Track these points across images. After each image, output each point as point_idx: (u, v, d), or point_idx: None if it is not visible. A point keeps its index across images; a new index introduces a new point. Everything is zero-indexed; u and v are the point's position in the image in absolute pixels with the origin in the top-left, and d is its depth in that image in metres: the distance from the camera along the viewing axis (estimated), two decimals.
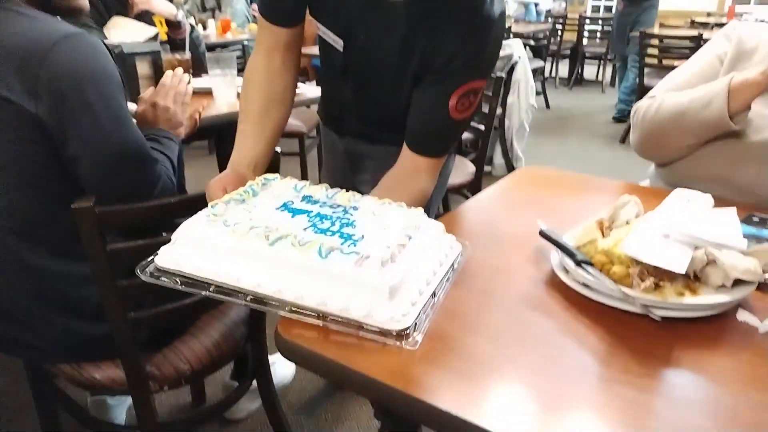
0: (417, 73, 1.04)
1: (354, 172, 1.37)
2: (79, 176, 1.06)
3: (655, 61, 4.44)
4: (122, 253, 1.03)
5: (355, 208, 0.87)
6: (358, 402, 1.79)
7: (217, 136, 2.58)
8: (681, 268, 0.71)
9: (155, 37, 2.16)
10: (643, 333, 0.73)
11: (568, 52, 7.18)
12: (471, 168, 2.40)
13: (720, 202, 0.98)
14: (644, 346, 0.71)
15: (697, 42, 4.14)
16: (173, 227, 1.26)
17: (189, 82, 1.41)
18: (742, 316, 0.76)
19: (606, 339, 0.73)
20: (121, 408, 1.65)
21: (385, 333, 0.69)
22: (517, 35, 5.36)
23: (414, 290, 0.74)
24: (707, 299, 0.73)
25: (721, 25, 5.51)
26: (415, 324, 0.70)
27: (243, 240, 0.75)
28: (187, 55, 1.96)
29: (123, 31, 2.05)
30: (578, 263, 0.79)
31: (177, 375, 1.19)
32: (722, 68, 1.20)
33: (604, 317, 0.76)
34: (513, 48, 3.57)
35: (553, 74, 7.25)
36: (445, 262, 0.83)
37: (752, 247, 0.79)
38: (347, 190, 0.92)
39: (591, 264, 0.79)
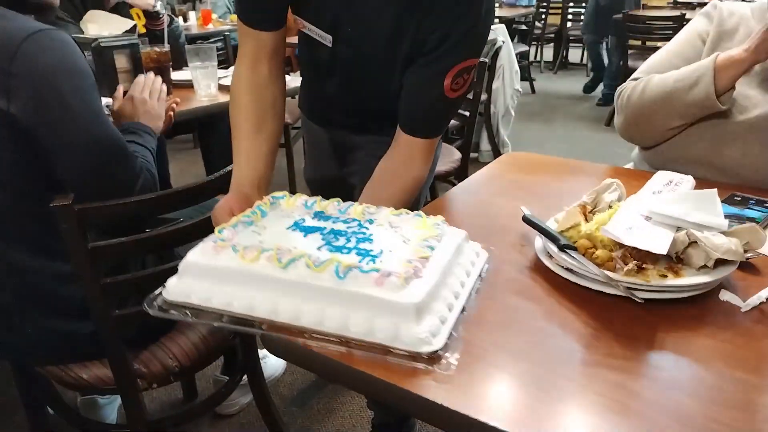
0: (408, 57, 1.02)
1: (342, 164, 1.36)
2: (57, 173, 1.04)
3: (638, 42, 4.44)
4: (104, 251, 1.02)
5: (370, 222, 0.83)
6: (350, 392, 1.80)
7: (200, 129, 2.57)
8: (662, 249, 0.71)
9: (133, 30, 2.12)
10: (627, 316, 0.74)
11: (552, 36, 7.16)
12: (457, 155, 2.40)
13: (703, 183, 0.98)
14: (628, 328, 0.72)
15: (680, 22, 4.14)
16: (157, 223, 1.26)
17: (163, 82, 1.44)
18: (725, 295, 0.77)
19: (590, 323, 0.73)
20: (111, 407, 1.64)
21: (414, 357, 0.64)
22: (501, 20, 5.34)
23: (442, 306, 0.69)
24: (689, 280, 0.74)
25: (703, 5, 5.51)
26: (447, 344, 0.65)
27: (253, 265, 0.71)
28: (166, 47, 1.93)
29: (100, 25, 2.01)
30: (561, 248, 0.79)
31: (165, 372, 1.18)
32: (705, 48, 1.20)
33: (588, 301, 0.76)
34: (497, 33, 3.56)
35: (538, 58, 7.24)
36: (472, 271, 0.79)
37: (733, 227, 0.80)
38: (349, 202, 0.89)
39: (574, 248, 0.79)
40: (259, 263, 0.71)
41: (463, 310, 0.72)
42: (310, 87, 1.32)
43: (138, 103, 1.33)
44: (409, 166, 1.09)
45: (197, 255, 0.75)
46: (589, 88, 5.87)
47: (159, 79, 1.41)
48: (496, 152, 3.74)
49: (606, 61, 5.60)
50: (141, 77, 1.38)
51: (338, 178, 1.37)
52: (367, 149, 1.25)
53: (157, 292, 0.76)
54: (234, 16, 4.82)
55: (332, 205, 0.87)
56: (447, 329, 0.67)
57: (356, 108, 1.22)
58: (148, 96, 1.35)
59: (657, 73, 1.20)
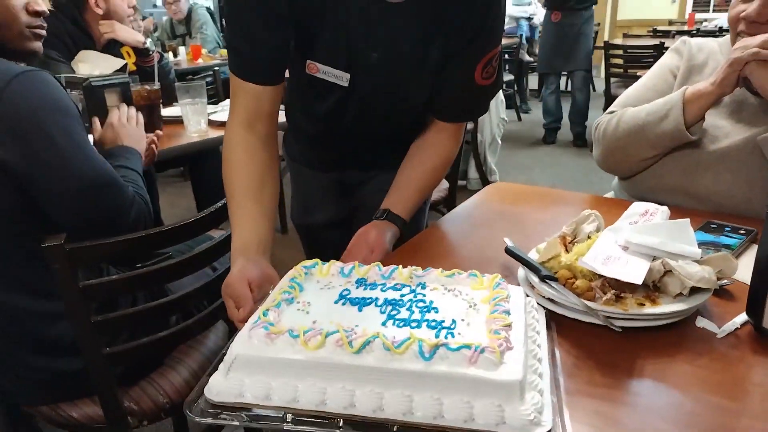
0: (439, 64, 1.05)
1: (342, 205, 1.35)
2: (48, 211, 1.06)
3: (620, 70, 4.56)
4: (96, 289, 1.03)
5: (422, 286, 0.78)
6: None
7: (191, 164, 2.59)
8: (638, 279, 0.74)
9: (123, 69, 2.16)
10: (608, 344, 0.76)
11: (536, 64, 7.30)
12: (445, 184, 2.43)
13: (679, 211, 1.02)
14: (608, 356, 0.74)
15: (660, 51, 4.26)
16: (149, 257, 1.27)
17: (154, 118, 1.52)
18: (701, 322, 0.79)
19: (572, 351, 0.75)
20: None
21: None
22: None
23: (535, 376, 0.64)
24: (666, 308, 0.76)
25: (682, 33, 5.67)
26: (555, 420, 0.59)
27: (319, 352, 0.63)
28: (156, 85, 1.96)
29: (91, 65, 2.05)
30: (542, 279, 0.81)
31: (156, 409, 1.18)
32: (676, 82, 1.25)
33: (569, 330, 0.78)
34: None
35: (524, 86, 7.36)
36: (541, 330, 0.74)
37: (708, 254, 0.82)
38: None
39: (555, 279, 0.81)
40: (326, 349, 0.63)
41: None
42: (310, 135, 1.28)
43: (118, 128, 1.37)
44: (441, 147, 1.15)
45: (245, 346, 0.65)
46: (551, 139, 5.18)
47: (132, 109, 1.46)
48: (484, 180, 3.79)
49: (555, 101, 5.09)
50: (116, 111, 1.43)
51: (336, 219, 1.37)
52: (373, 184, 1.26)
53: (195, 392, 0.66)
54: (224, 51, 4.90)
55: (373, 271, 0.82)
56: (548, 402, 0.61)
57: (368, 146, 1.22)
58: (126, 121, 1.40)
59: (631, 106, 1.24)
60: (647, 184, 1.23)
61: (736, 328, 0.77)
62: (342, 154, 1.28)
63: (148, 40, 2.38)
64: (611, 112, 1.28)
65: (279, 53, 1.02)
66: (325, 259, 0.85)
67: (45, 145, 1.03)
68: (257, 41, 0.99)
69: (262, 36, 0.98)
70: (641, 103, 1.23)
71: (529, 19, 6.41)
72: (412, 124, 1.15)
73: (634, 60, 4.50)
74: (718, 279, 0.80)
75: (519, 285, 0.88)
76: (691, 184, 1.18)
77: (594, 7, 4.76)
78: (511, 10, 6.50)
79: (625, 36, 6.09)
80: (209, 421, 0.63)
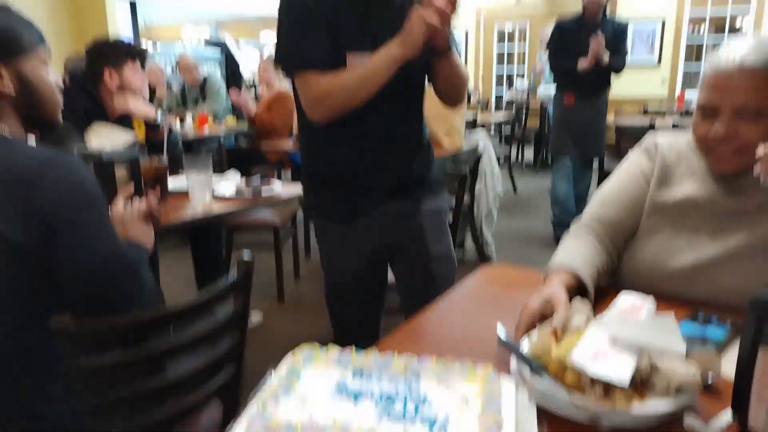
0: None
1: (388, 244, 1.62)
2: (65, 294, 1.07)
3: (613, 144, 4.71)
4: (96, 369, 1.04)
5: (416, 377, 0.81)
6: None
7: (193, 233, 2.64)
8: (624, 381, 0.77)
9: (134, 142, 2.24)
10: None
11: (532, 137, 7.53)
12: None
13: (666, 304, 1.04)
14: None
15: (651, 128, 4.41)
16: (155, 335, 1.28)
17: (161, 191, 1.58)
18: (689, 420, 0.81)
19: None
20: None
21: None
22: (484, 125, 5.64)
23: None
24: (652, 408, 0.78)
25: (672, 113, 5.89)
26: None
27: None
28: (165, 160, 2.04)
29: (103, 138, 2.13)
30: (533, 371, 0.84)
31: None
32: (651, 185, 1.27)
33: (561, 426, 0.80)
34: (478, 138, 3.76)
35: (520, 159, 7.56)
36: (531, 428, 0.77)
37: (694, 351, 0.85)
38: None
39: (545, 371, 0.84)
40: None
41: None
42: (346, 159, 1.50)
43: (129, 224, 1.35)
44: None
45: None
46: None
47: (142, 203, 1.42)
48: (480, 251, 3.84)
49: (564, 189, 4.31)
50: (125, 204, 1.40)
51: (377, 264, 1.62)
52: (419, 212, 1.51)
53: None
54: (230, 118, 5.05)
55: (370, 359, 0.85)
56: None
57: (381, 147, 1.46)
58: (136, 216, 1.38)
59: (604, 212, 1.30)
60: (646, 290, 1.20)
61: (723, 429, 0.79)
62: (374, 176, 1.50)
63: (159, 114, 2.47)
64: (583, 217, 1.33)
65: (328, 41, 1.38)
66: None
67: (73, 235, 1.04)
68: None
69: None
70: (614, 210, 1.28)
71: None
72: (409, 111, 1.51)
73: (626, 137, 4.66)
74: (703, 377, 0.83)
75: (512, 373, 0.90)
76: (691, 291, 1.18)
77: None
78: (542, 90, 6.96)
79: (617, 114, 6.31)
80: None
